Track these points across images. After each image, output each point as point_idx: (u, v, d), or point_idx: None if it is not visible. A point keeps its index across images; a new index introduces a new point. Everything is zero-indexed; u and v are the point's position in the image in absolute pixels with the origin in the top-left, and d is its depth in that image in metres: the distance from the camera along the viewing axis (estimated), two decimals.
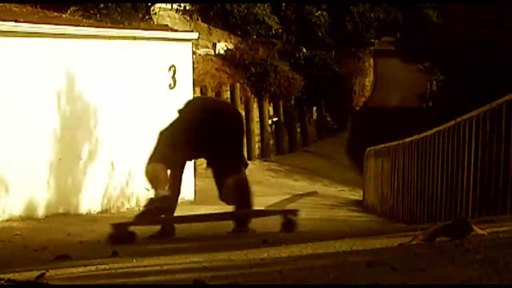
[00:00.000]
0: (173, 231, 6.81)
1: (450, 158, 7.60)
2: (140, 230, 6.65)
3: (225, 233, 7.04)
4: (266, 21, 23.10)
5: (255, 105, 21.10)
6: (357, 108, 32.81)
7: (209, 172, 7.22)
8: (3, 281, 2.95)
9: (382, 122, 28.74)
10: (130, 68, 10.90)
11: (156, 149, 7.01)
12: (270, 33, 23.35)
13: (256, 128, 20.98)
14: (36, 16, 10.23)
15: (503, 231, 3.40)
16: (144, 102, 11.17)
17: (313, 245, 3.75)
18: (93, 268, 3.49)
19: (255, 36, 22.80)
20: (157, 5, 15.87)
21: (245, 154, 19.94)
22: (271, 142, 22.02)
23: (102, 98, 10.36)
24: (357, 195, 17.18)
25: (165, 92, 11.55)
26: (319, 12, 26.50)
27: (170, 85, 11.59)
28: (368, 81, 37.47)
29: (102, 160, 10.40)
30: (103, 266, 3.54)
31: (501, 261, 2.06)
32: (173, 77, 11.59)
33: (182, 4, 18.21)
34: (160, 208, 6.74)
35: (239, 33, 22.56)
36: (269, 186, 17.10)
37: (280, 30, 24.11)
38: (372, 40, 32.89)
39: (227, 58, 20.70)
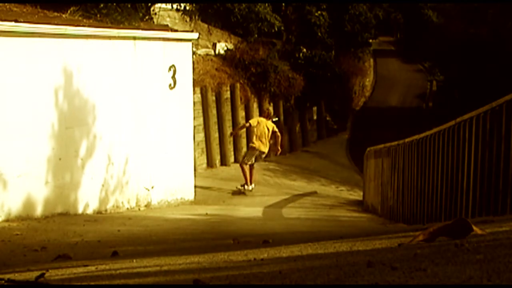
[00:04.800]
0: None
1: (450, 158, 7.60)
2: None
3: (225, 233, 7.05)
4: (268, 18, 23.09)
5: (255, 105, 21.10)
6: (357, 108, 32.83)
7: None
8: (3, 281, 2.95)
9: (382, 122, 28.76)
10: (130, 68, 10.91)
11: None
12: (273, 31, 23.35)
13: None
14: (36, 16, 10.23)
15: (503, 231, 3.40)
16: (144, 102, 11.18)
17: (313, 245, 3.76)
18: (93, 268, 3.49)
19: (256, 35, 22.80)
20: (157, 5, 15.86)
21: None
22: (271, 142, 22.01)
23: (102, 98, 10.37)
24: (356, 195, 17.19)
25: (165, 92, 11.55)
26: (319, 12, 26.51)
27: (170, 85, 11.60)
28: (368, 81, 37.49)
29: (102, 160, 10.41)
30: (103, 267, 3.55)
31: (501, 261, 2.06)
32: (173, 77, 11.60)
33: (182, 4, 18.21)
34: None
35: (240, 32, 22.55)
36: (269, 186, 17.10)
37: (282, 28, 24.11)
38: (371, 41, 32.89)
39: (227, 58, 20.69)
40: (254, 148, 14.50)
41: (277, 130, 14.87)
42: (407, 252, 2.63)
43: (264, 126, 14.44)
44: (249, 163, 14.54)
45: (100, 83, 10.37)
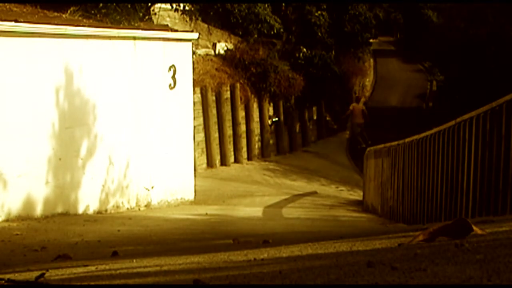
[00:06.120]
0: None
1: (450, 158, 7.60)
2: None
3: (225, 233, 7.04)
4: (268, 20, 23.09)
5: (255, 105, 21.09)
6: None
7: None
8: (3, 281, 2.95)
9: (382, 122, 28.75)
10: (130, 68, 10.91)
11: None
12: (272, 32, 23.34)
13: (256, 128, 20.97)
14: (36, 16, 10.23)
15: (503, 231, 3.40)
16: (144, 102, 11.18)
17: (313, 245, 3.76)
18: (93, 268, 3.49)
19: (256, 36, 22.79)
20: (157, 5, 15.86)
21: (245, 154, 20.11)
22: (271, 142, 22.02)
23: (102, 98, 10.37)
24: (356, 195, 17.18)
25: (165, 92, 11.55)
26: (319, 12, 26.50)
27: (170, 85, 11.60)
28: (368, 81, 37.47)
29: (103, 160, 10.41)
30: (103, 267, 3.55)
31: (501, 261, 2.06)
32: (173, 77, 11.60)
33: (182, 4, 18.20)
34: None
35: (240, 32, 22.54)
36: (269, 186, 17.11)
37: (281, 30, 24.10)
38: (371, 41, 32.85)
39: (227, 58, 20.67)
40: (355, 123, 23.58)
41: (365, 109, 24.03)
42: (407, 252, 2.63)
43: (357, 108, 23.71)
44: (358, 131, 23.51)
45: (100, 83, 10.37)
